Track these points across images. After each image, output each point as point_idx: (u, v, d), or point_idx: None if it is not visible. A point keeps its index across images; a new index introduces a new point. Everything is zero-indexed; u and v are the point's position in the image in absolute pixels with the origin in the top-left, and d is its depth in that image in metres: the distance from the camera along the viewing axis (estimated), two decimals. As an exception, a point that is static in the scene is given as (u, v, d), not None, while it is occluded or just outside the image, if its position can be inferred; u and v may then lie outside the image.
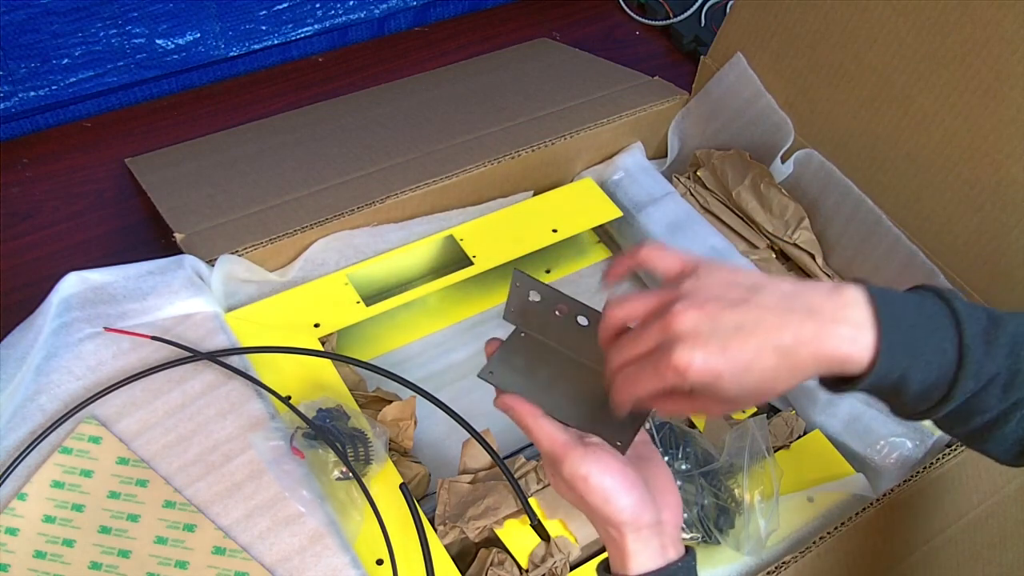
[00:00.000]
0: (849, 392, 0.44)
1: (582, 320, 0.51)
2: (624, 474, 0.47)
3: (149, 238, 0.85)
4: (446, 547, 0.61)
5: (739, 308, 0.43)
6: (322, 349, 0.71)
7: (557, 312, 0.51)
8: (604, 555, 0.50)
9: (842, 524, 0.62)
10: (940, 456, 0.65)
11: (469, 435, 0.65)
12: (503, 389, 0.51)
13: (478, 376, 0.52)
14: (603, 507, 0.46)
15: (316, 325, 0.72)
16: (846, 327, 0.42)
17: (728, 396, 0.43)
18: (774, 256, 0.85)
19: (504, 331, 0.85)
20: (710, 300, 0.43)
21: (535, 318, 0.53)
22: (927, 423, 0.69)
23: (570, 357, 0.53)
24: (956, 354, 0.43)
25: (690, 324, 0.42)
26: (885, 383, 0.43)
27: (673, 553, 0.47)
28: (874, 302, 0.43)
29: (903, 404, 0.45)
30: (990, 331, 0.44)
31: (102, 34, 0.90)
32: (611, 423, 0.50)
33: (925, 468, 0.64)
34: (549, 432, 0.48)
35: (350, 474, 0.60)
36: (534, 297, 0.52)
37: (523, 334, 0.54)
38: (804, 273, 0.84)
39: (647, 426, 0.52)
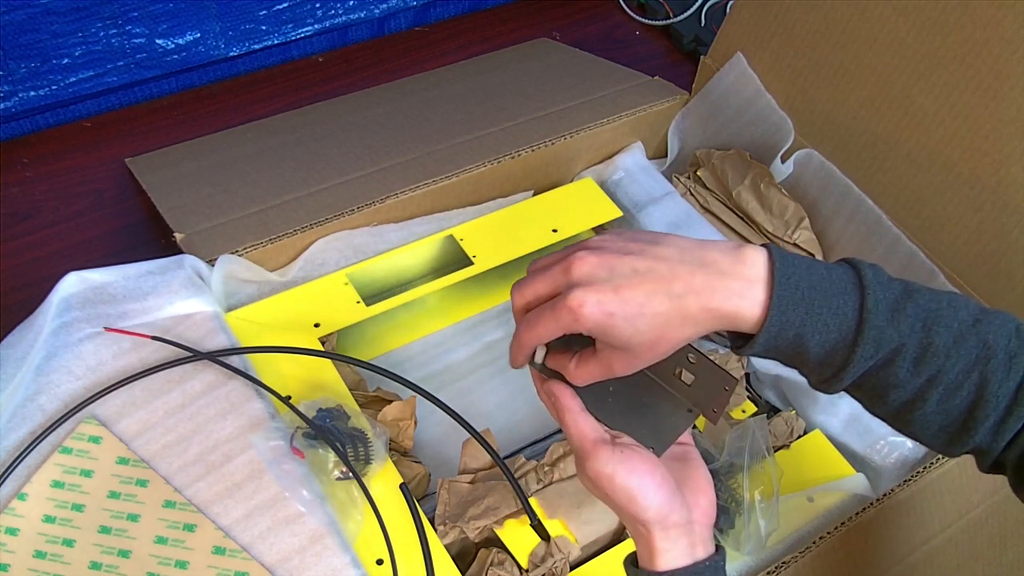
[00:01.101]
0: (748, 354, 0.45)
1: None
2: (652, 474, 0.47)
3: (149, 238, 0.85)
4: (446, 547, 0.61)
5: (635, 256, 0.44)
6: (322, 349, 0.71)
7: None
8: (623, 547, 0.50)
9: (842, 524, 0.62)
10: (940, 456, 0.65)
11: (469, 435, 0.65)
12: (548, 377, 0.51)
13: (513, 366, 0.52)
14: (628, 506, 0.47)
15: (316, 325, 0.72)
16: (737, 281, 0.43)
17: (624, 341, 0.44)
18: (774, 256, 0.85)
19: (504, 330, 0.85)
20: (608, 250, 0.45)
21: None
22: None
23: None
24: (856, 318, 0.43)
25: (587, 270, 0.44)
26: (780, 343, 0.44)
27: (702, 552, 0.47)
28: (772, 261, 0.44)
29: (807, 369, 0.45)
30: (900, 301, 0.44)
31: (102, 34, 0.90)
32: (651, 428, 0.50)
33: (925, 468, 0.64)
34: (581, 428, 0.48)
35: (350, 474, 0.60)
36: None
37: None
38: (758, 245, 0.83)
39: (690, 431, 0.52)
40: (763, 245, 0.45)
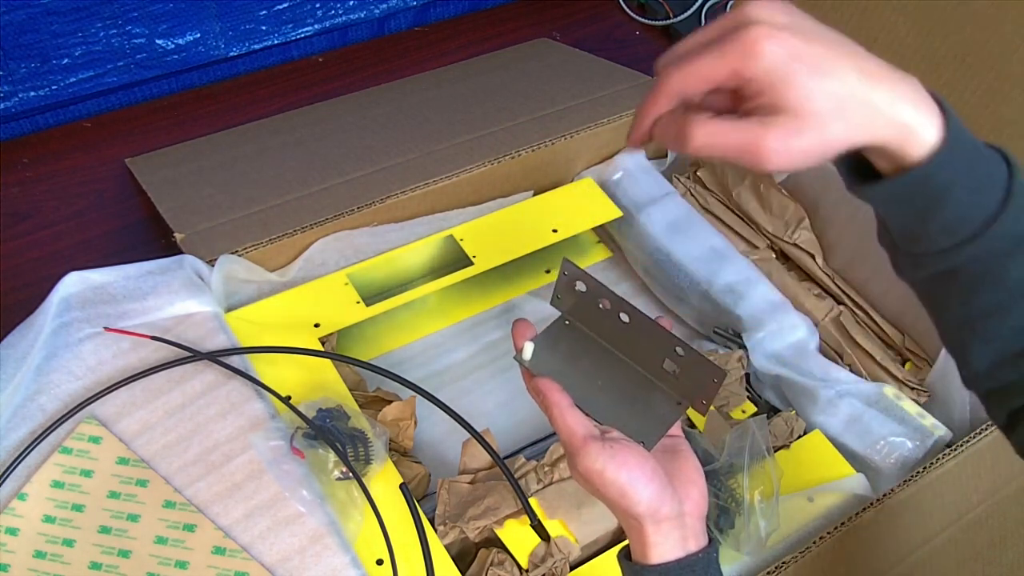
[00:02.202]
0: (882, 193, 0.39)
1: (624, 317, 0.51)
2: (642, 468, 0.47)
3: (149, 238, 0.85)
4: (446, 547, 0.61)
5: (821, 25, 0.38)
6: (322, 349, 0.71)
7: (601, 305, 0.51)
8: (623, 547, 0.50)
9: (842, 524, 0.62)
10: (940, 456, 0.65)
11: (469, 435, 0.65)
12: (536, 373, 0.51)
13: (513, 358, 0.52)
14: (619, 500, 0.46)
15: (316, 325, 0.72)
16: (920, 97, 0.38)
17: (796, 103, 0.36)
18: (774, 256, 0.85)
19: (504, 330, 0.85)
20: (790, 7, 0.38)
21: (579, 308, 0.53)
22: (928, 423, 0.69)
23: (609, 351, 0.53)
24: (1004, 192, 0.38)
25: (768, 12, 0.37)
26: (928, 187, 0.38)
27: (694, 545, 0.47)
28: (939, 99, 0.39)
29: (926, 230, 0.39)
30: None
31: (102, 34, 0.90)
32: (640, 422, 0.50)
33: (925, 468, 0.64)
34: (569, 424, 0.48)
35: (350, 474, 0.60)
36: (580, 287, 0.52)
37: (567, 322, 0.54)
38: (804, 273, 0.84)
39: (680, 423, 0.52)
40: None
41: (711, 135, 0.37)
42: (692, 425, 0.71)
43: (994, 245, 0.39)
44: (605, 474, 0.46)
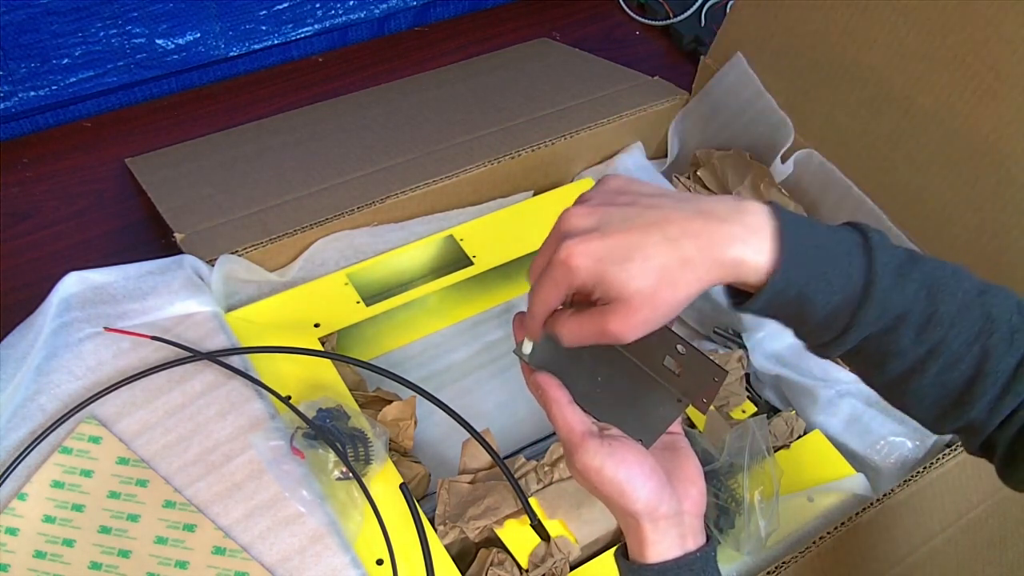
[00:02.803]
0: (751, 310, 0.42)
1: None
2: (641, 465, 0.46)
3: (149, 238, 0.85)
4: (446, 547, 0.61)
5: (628, 206, 0.42)
6: (322, 349, 0.71)
7: None
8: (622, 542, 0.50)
9: (842, 524, 0.62)
10: (940, 456, 0.65)
11: (469, 435, 0.65)
12: (535, 368, 0.50)
13: (513, 352, 0.52)
14: (618, 498, 0.46)
15: (316, 325, 0.72)
16: (739, 228, 0.41)
17: (619, 292, 0.41)
18: (774, 256, 0.85)
19: (504, 330, 0.85)
20: (595, 201, 0.43)
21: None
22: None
23: (611, 348, 0.53)
24: (863, 280, 0.41)
25: (575, 222, 0.42)
26: (785, 299, 0.41)
27: (692, 543, 0.47)
28: (777, 215, 0.41)
29: (808, 330, 0.43)
30: (905, 266, 0.42)
31: (102, 34, 0.90)
32: (639, 420, 0.50)
33: (925, 468, 0.64)
34: (568, 420, 0.48)
35: (350, 474, 0.60)
36: None
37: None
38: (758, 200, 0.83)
39: (680, 420, 0.52)
40: (766, 202, 0.43)
41: (572, 331, 0.44)
42: (692, 425, 0.71)
43: (873, 328, 0.42)
44: (603, 471, 0.46)
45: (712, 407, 0.71)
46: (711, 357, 0.51)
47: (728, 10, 0.92)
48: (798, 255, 0.41)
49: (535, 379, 0.50)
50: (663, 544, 0.46)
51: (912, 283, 0.42)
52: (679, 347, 0.49)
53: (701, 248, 0.40)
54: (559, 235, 0.43)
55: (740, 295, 0.43)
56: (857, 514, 0.62)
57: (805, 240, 0.41)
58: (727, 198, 0.43)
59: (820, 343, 0.44)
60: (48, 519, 0.58)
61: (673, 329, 0.50)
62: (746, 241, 0.41)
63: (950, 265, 0.44)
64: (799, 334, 0.45)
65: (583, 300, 0.45)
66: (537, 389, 0.50)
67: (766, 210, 0.42)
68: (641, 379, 0.52)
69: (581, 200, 0.44)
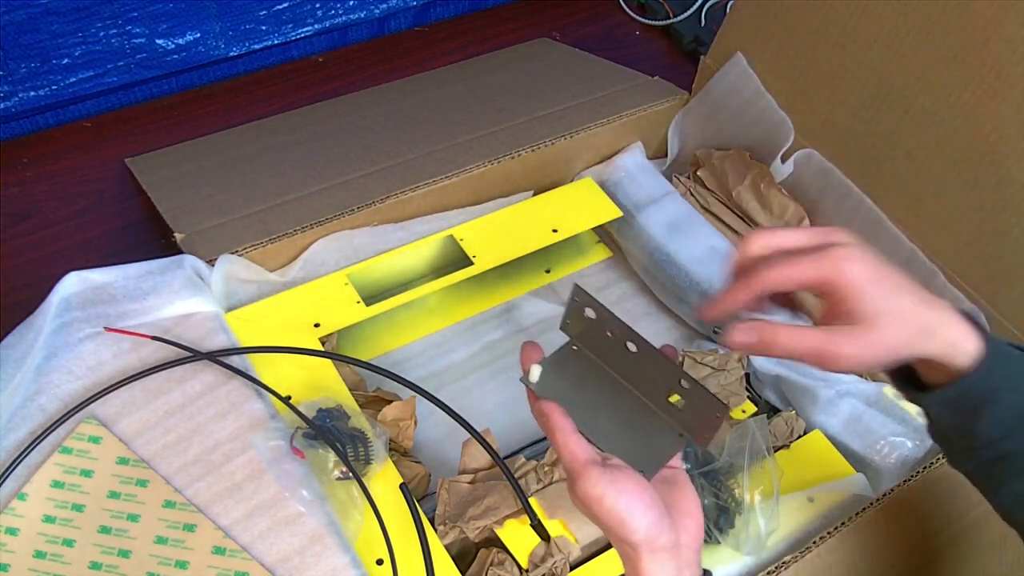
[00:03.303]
0: (938, 397, 0.46)
1: (631, 347, 0.51)
2: (640, 496, 0.47)
3: (149, 238, 0.85)
4: (446, 547, 0.61)
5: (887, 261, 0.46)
6: (322, 349, 0.71)
7: (609, 333, 0.51)
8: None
9: (842, 524, 0.62)
10: (940, 456, 0.65)
11: (469, 435, 0.65)
12: (541, 396, 0.51)
13: (520, 380, 0.52)
14: (617, 528, 0.46)
15: (316, 325, 0.72)
16: (962, 320, 0.45)
17: (864, 315, 0.44)
18: (774, 256, 0.85)
19: (504, 330, 0.85)
20: (866, 244, 0.46)
21: (588, 335, 0.53)
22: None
23: (615, 379, 0.53)
24: None
25: (853, 238, 0.45)
26: (977, 390, 0.45)
27: None
28: (980, 325, 0.46)
29: (981, 424, 0.46)
30: None
31: (102, 34, 0.90)
32: (641, 451, 0.50)
33: (925, 468, 0.64)
34: (571, 448, 0.48)
35: (350, 474, 0.60)
36: (589, 314, 0.52)
37: (575, 347, 0.54)
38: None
39: (680, 455, 0.52)
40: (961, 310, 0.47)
41: (793, 339, 0.45)
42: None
43: None
44: (604, 500, 0.46)
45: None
46: (710, 357, 0.52)
47: (728, 10, 0.92)
48: (999, 353, 0.45)
49: (540, 406, 0.51)
50: (660, 575, 0.46)
51: None
52: (682, 381, 0.50)
53: (939, 319, 0.45)
54: (834, 238, 0.45)
55: (915, 385, 0.47)
56: (857, 514, 0.62)
57: (1003, 343, 0.46)
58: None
59: (981, 443, 0.46)
60: (48, 519, 0.58)
61: (677, 361, 0.50)
62: (965, 331, 0.45)
63: None
64: (958, 430, 0.47)
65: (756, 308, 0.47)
66: (541, 416, 0.51)
67: (968, 313, 0.46)
68: (644, 412, 0.52)
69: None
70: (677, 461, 0.52)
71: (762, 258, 0.47)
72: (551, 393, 0.51)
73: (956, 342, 0.45)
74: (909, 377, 0.48)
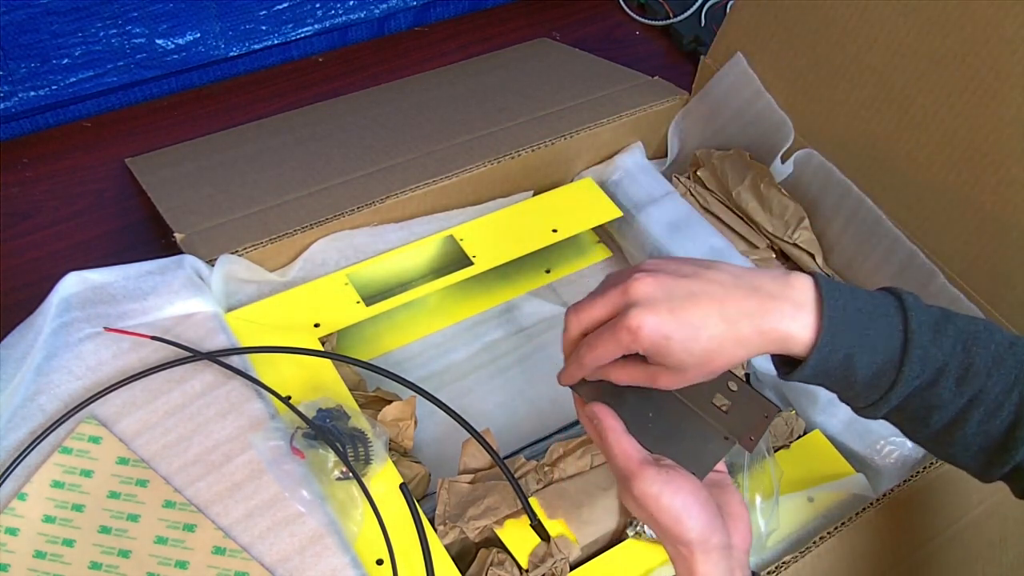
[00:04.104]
0: (798, 379, 0.46)
1: None
2: (696, 495, 0.47)
3: (149, 238, 0.85)
4: (446, 547, 0.61)
5: (690, 279, 0.46)
6: (322, 349, 0.71)
7: None
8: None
9: (842, 524, 0.62)
10: (940, 456, 0.65)
11: (469, 435, 0.65)
12: (589, 401, 0.51)
13: (563, 383, 0.52)
14: (674, 526, 0.47)
15: (316, 325, 0.72)
16: (787, 304, 0.45)
17: (678, 362, 0.45)
18: (774, 256, 0.85)
19: (504, 330, 0.85)
20: (665, 272, 0.47)
21: None
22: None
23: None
24: (901, 339, 0.45)
25: (645, 291, 0.46)
26: (830, 366, 0.45)
27: None
28: (819, 287, 0.45)
29: (854, 393, 0.47)
30: (940, 323, 0.45)
31: (102, 34, 0.90)
32: (690, 453, 0.50)
33: (925, 468, 0.64)
34: (625, 448, 0.49)
35: (350, 474, 0.60)
36: None
37: None
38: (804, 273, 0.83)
39: (725, 458, 0.52)
40: (809, 273, 0.47)
41: (622, 377, 0.49)
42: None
43: (915, 383, 0.45)
44: (661, 499, 0.47)
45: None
46: (765, 395, 0.52)
47: (728, 10, 0.92)
48: (840, 322, 0.45)
49: (590, 409, 0.51)
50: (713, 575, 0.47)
51: (948, 338, 0.45)
52: (730, 383, 0.50)
53: (754, 326, 0.45)
54: (625, 299, 0.46)
55: (787, 364, 0.47)
56: (857, 514, 0.62)
57: (846, 307, 0.45)
58: (775, 272, 0.47)
59: (866, 404, 0.47)
60: (48, 519, 0.58)
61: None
62: (794, 317, 0.45)
63: (981, 320, 0.47)
64: (845, 398, 0.48)
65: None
66: (592, 419, 0.51)
67: (810, 283, 0.46)
68: (689, 417, 0.52)
69: (649, 268, 0.47)
70: (722, 465, 0.52)
71: (583, 336, 0.49)
72: (595, 398, 0.51)
73: (782, 333, 0.45)
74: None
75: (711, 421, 0.52)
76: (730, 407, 0.51)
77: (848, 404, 0.49)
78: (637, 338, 0.45)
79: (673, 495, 0.47)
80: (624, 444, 0.49)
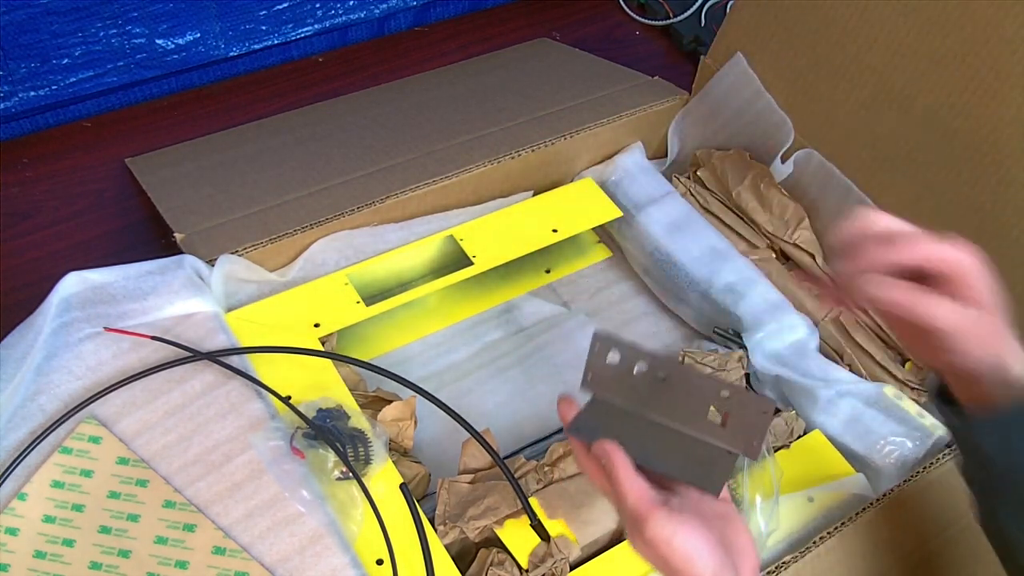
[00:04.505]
0: (975, 426, 0.47)
1: (661, 374, 0.50)
2: (707, 537, 0.47)
3: (149, 238, 0.85)
4: (446, 547, 0.61)
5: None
6: (322, 349, 0.71)
7: (636, 370, 0.51)
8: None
9: (842, 524, 0.62)
10: (940, 456, 0.65)
11: (469, 435, 0.65)
12: (588, 440, 0.50)
13: (567, 433, 0.51)
14: (685, 567, 0.46)
15: (316, 325, 0.72)
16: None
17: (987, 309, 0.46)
18: (774, 256, 0.85)
19: (504, 330, 0.85)
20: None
21: (614, 381, 0.52)
22: (928, 422, 0.70)
23: (652, 420, 0.52)
24: None
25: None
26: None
27: None
28: None
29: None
30: None
31: (102, 34, 0.90)
32: (700, 473, 0.50)
33: (925, 468, 0.64)
34: (637, 490, 0.48)
35: (350, 474, 0.60)
36: (612, 359, 0.51)
37: (603, 401, 0.53)
38: (804, 273, 0.83)
39: (726, 487, 0.52)
40: None
41: (941, 308, 0.47)
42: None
43: None
44: (674, 541, 0.46)
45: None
46: (756, 392, 0.51)
47: (728, 10, 0.92)
48: None
49: (598, 448, 0.50)
50: None
51: None
52: (723, 391, 0.49)
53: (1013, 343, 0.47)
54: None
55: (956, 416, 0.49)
56: (857, 514, 0.62)
57: None
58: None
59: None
60: (48, 519, 0.58)
61: (712, 377, 0.49)
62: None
63: None
64: (987, 491, 0.49)
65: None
66: (604, 455, 0.50)
67: None
68: (689, 442, 0.51)
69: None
70: (727, 493, 0.52)
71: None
72: (594, 435, 0.50)
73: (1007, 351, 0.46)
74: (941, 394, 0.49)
75: (710, 439, 0.51)
76: (727, 416, 0.50)
77: (981, 504, 0.49)
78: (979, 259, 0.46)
79: (686, 537, 0.46)
80: (636, 485, 0.48)
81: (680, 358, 0.75)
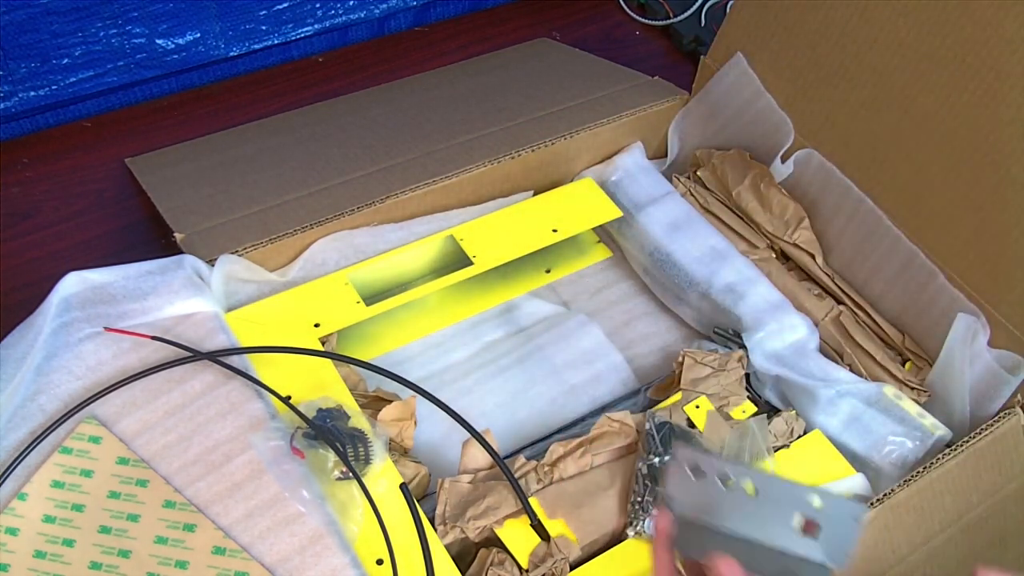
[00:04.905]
0: None
1: (748, 488, 0.48)
2: None
3: (149, 238, 0.85)
4: (446, 547, 0.61)
5: None
6: (322, 349, 0.71)
7: (720, 483, 0.49)
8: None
9: (842, 524, 0.62)
10: (940, 456, 0.65)
11: (469, 435, 0.65)
12: (698, 555, 0.49)
13: (676, 549, 0.50)
14: None
15: (316, 325, 0.72)
16: None
17: None
18: (774, 256, 0.85)
19: (504, 330, 0.85)
20: None
21: (699, 498, 0.50)
22: (928, 422, 0.70)
23: (745, 539, 0.50)
24: None
25: None
26: None
27: None
28: None
29: None
30: None
31: (102, 34, 0.90)
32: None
33: (925, 468, 0.64)
34: None
35: (350, 474, 0.60)
36: (693, 472, 0.49)
37: (688, 519, 0.51)
38: (804, 273, 0.84)
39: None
40: None
41: None
42: (692, 425, 0.71)
43: None
44: None
45: (711, 406, 0.71)
46: (848, 498, 0.49)
47: (728, 10, 0.92)
48: None
49: (711, 562, 0.48)
50: None
51: None
52: (812, 499, 0.47)
53: None
54: None
55: None
56: (857, 514, 0.62)
57: None
58: None
59: None
60: (48, 519, 0.58)
61: (800, 484, 0.48)
62: None
63: None
64: None
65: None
66: (715, 566, 0.48)
67: None
68: (781, 559, 0.49)
69: None
70: None
71: None
72: (702, 551, 0.48)
73: None
74: None
75: (802, 553, 0.49)
76: (819, 526, 0.48)
77: None
78: None
79: None
80: None
81: (680, 358, 0.75)
